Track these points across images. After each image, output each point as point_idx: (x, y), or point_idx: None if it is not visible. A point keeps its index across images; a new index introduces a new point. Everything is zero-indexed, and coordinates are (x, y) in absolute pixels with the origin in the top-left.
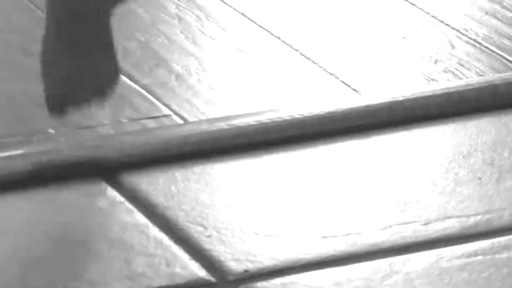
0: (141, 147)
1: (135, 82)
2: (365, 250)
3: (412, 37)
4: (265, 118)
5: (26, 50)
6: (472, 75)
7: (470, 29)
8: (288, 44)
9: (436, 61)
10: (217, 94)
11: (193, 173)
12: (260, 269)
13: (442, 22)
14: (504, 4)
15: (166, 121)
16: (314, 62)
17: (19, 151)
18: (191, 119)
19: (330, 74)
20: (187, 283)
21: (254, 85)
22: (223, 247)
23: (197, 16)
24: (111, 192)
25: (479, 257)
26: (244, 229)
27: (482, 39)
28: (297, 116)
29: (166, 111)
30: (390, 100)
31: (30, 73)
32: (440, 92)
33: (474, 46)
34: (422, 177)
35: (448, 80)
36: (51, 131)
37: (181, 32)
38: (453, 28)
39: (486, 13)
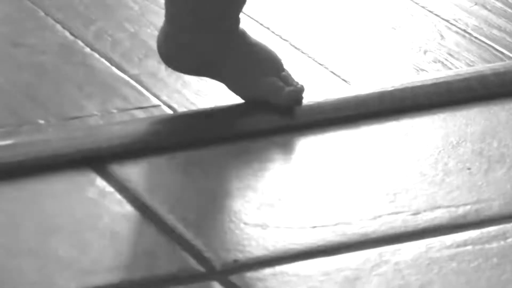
0: (130, 138)
1: (125, 72)
2: (355, 240)
3: (402, 27)
4: (254, 109)
5: (16, 41)
6: (462, 65)
7: (460, 19)
8: (277, 35)
9: (425, 52)
10: (207, 84)
11: (183, 163)
12: (250, 259)
13: (431, 12)
14: None
15: (155, 112)
16: (303, 53)
17: (8, 142)
18: (180, 110)
19: (320, 64)
20: (177, 273)
21: None
22: (212, 237)
23: None
24: (101, 182)
25: (469, 247)
26: (233, 219)
27: (471, 30)
28: None
29: (155, 101)
30: (380, 90)
31: (19, 64)
32: (429, 82)
33: (463, 36)
34: (411, 167)
35: (438, 70)
36: (41, 121)
37: None
38: (442, 19)
39: (476, 4)
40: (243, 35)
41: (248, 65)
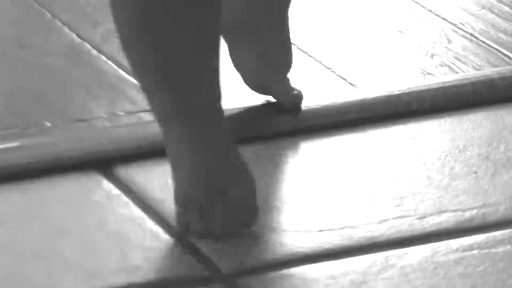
0: (137, 140)
1: (132, 75)
2: (361, 243)
3: (409, 31)
4: (261, 111)
5: (23, 43)
6: (469, 69)
7: (467, 23)
8: None
9: (432, 55)
10: None
11: None
12: (256, 263)
13: (438, 16)
14: None
15: None
16: (310, 56)
17: (15, 144)
18: None
19: (327, 68)
20: (182, 276)
21: None
22: (218, 240)
23: None
24: (107, 185)
25: (475, 251)
26: None
27: (478, 33)
28: None
29: None
30: (387, 94)
31: (26, 66)
32: (436, 86)
33: (470, 40)
34: (418, 171)
35: (445, 74)
36: (47, 124)
37: None
38: (449, 22)
39: (483, 7)
40: (284, 17)
41: (269, 54)
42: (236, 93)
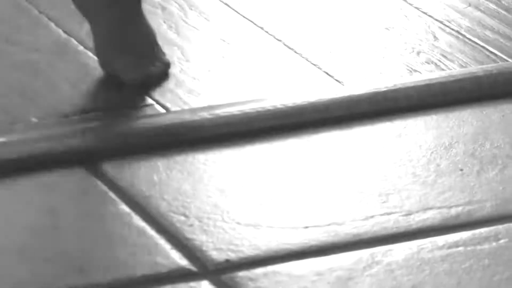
0: (123, 137)
1: None
2: (347, 240)
3: (395, 28)
4: (247, 108)
5: (9, 39)
6: (455, 66)
7: (453, 20)
8: (271, 35)
9: (419, 53)
10: (200, 84)
11: (175, 162)
12: (242, 259)
13: (425, 13)
14: None
15: (148, 111)
16: (297, 53)
17: (1, 140)
18: (173, 109)
19: (313, 64)
20: (169, 272)
21: (237, 75)
22: (205, 237)
23: (180, 6)
24: (94, 181)
25: (460, 248)
26: (226, 219)
27: (465, 31)
28: (279, 106)
29: (148, 100)
30: (373, 91)
31: (13, 62)
32: (422, 83)
33: (457, 37)
34: (404, 168)
35: (431, 71)
36: (34, 119)
37: (164, 21)
38: (436, 20)
39: (469, 5)
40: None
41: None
42: (229, 92)
